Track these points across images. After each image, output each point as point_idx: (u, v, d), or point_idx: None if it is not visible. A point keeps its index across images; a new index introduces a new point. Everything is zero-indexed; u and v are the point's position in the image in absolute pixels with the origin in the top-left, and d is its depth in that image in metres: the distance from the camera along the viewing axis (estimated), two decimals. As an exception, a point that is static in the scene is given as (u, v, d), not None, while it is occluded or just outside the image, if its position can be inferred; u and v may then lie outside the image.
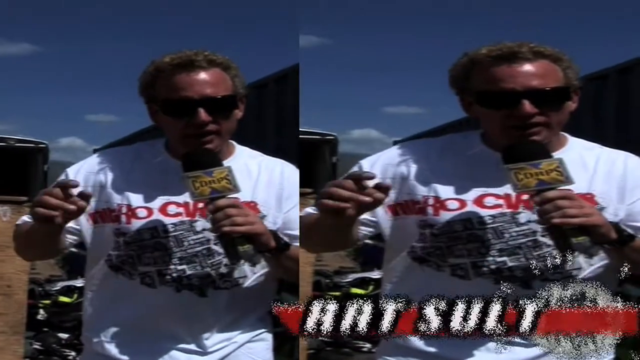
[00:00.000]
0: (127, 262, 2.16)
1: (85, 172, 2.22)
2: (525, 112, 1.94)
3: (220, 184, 1.97)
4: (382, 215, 2.13)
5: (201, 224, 2.14)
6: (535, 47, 1.99)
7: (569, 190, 1.91)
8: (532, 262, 2.00)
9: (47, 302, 6.73)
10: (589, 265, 2.04)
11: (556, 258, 1.99)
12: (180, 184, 2.08)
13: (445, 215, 2.05)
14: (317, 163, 10.20)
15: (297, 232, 2.18)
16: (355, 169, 2.15)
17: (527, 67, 1.97)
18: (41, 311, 6.58)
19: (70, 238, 2.24)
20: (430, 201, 2.06)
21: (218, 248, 2.13)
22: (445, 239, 2.05)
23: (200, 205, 2.11)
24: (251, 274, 2.20)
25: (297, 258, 2.17)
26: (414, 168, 2.11)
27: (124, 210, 2.16)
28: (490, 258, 2.02)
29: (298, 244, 2.20)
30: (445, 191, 2.06)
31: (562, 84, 1.99)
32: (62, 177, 2.24)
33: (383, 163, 2.14)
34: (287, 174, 2.26)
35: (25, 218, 2.25)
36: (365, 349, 6.50)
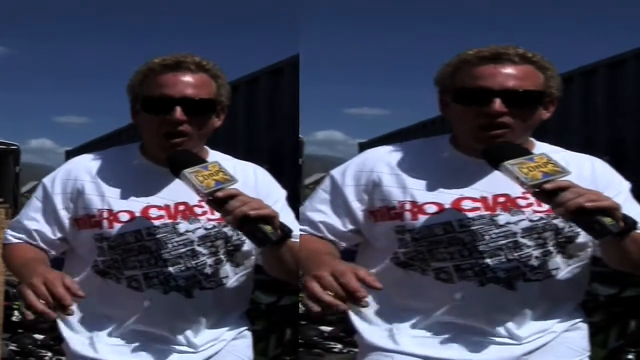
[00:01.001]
0: (113, 267, 2.17)
1: (62, 179, 2.23)
2: (493, 110, 1.98)
3: (219, 176, 1.99)
4: (363, 222, 2.17)
5: (184, 225, 2.17)
6: (524, 51, 2.03)
7: None
8: (514, 262, 2.05)
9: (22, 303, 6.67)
10: (566, 265, 2.10)
11: (536, 258, 2.06)
12: (157, 186, 2.17)
13: (424, 219, 2.07)
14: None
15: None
16: (327, 182, 2.22)
17: (509, 69, 2.01)
18: (16, 313, 6.56)
19: (58, 250, 2.29)
20: (407, 206, 2.08)
21: (202, 249, 2.17)
22: (426, 243, 2.07)
23: (182, 207, 2.17)
24: (233, 274, 2.25)
25: (293, 252, 2.12)
26: (386, 174, 2.14)
27: (105, 215, 2.16)
28: (473, 260, 2.05)
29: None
30: (422, 195, 2.08)
31: (540, 89, 2.03)
32: (39, 190, 2.27)
33: (355, 170, 2.18)
34: (260, 177, 2.32)
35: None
36: (336, 349, 6.53)
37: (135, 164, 2.23)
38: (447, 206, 2.07)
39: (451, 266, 2.06)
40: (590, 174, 2.12)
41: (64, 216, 2.21)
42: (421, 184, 2.10)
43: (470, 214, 2.06)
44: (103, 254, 2.18)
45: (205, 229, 2.19)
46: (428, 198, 2.08)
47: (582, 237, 2.08)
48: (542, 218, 2.06)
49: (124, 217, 2.16)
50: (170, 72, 2.11)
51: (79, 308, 2.18)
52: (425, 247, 2.08)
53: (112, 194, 2.18)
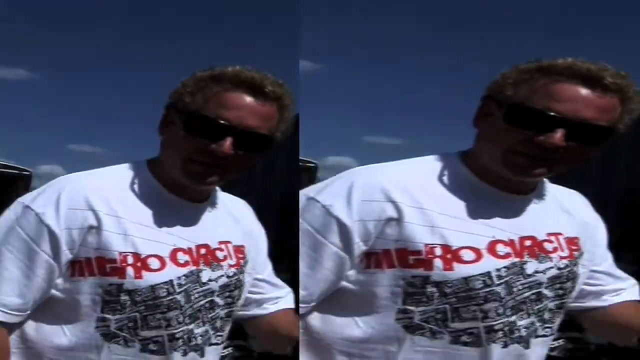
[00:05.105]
0: (126, 327, 1.70)
1: (67, 208, 1.65)
2: (551, 143, 1.58)
3: None
4: (354, 269, 1.69)
5: (207, 274, 1.77)
6: (621, 76, 1.60)
7: None
8: (532, 317, 1.71)
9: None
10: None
11: (549, 311, 1.74)
12: (179, 223, 1.75)
13: (461, 270, 1.63)
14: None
15: (272, 278, 1.98)
16: (316, 212, 1.66)
17: (595, 95, 1.58)
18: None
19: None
20: (438, 251, 1.63)
21: (220, 300, 1.80)
22: (454, 299, 1.64)
23: (203, 251, 1.77)
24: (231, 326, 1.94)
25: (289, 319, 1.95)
26: (407, 206, 1.64)
27: (131, 260, 1.66)
28: (505, 319, 1.67)
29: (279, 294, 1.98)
30: (457, 238, 1.64)
31: (612, 126, 1.62)
32: (27, 221, 1.65)
33: (360, 200, 1.65)
34: (251, 213, 1.99)
35: None
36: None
37: (151, 192, 1.75)
38: (484, 252, 1.65)
39: (482, 327, 1.66)
40: (584, 214, 1.84)
41: (64, 261, 1.66)
42: (451, 221, 1.66)
43: (504, 262, 1.66)
44: (118, 311, 1.68)
45: (227, 276, 1.82)
46: (462, 241, 1.64)
47: (579, 284, 1.80)
48: (567, 265, 1.74)
49: (154, 263, 1.68)
50: (241, 92, 1.66)
51: None
52: (451, 305, 1.65)
53: (137, 231, 1.69)
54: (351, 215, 1.62)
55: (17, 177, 12.23)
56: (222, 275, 1.79)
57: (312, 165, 10.63)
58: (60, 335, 1.70)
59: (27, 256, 1.64)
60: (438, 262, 1.61)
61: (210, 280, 1.76)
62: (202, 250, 1.76)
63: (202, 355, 1.77)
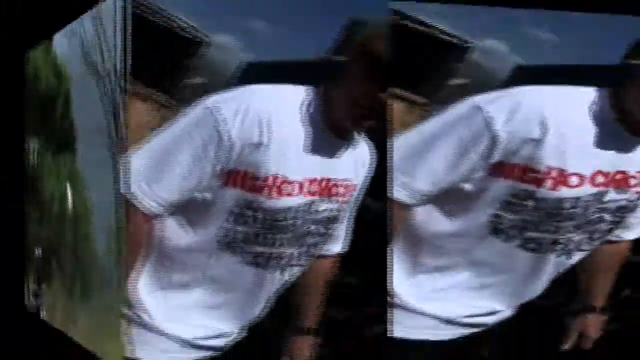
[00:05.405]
0: (244, 240, 1.79)
1: (251, 122, 1.69)
2: None
3: None
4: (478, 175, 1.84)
5: (321, 204, 1.83)
6: None
7: None
8: (586, 234, 1.89)
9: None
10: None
11: (599, 231, 1.91)
12: (320, 154, 1.79)
13: (564, 192, 1.81)
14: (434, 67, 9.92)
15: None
16: (477, 121, 1.80)
17: None
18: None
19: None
20: (554, 174, 1.80)
21: (320, 228, 1.85)
22: (543, 213, 1.83)
23: (324, 183, 1.82)
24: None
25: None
26: (552, 132, 1.79)
27: (276, 182, 1.74)
28: (568, 235, 1.86)
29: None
30: (572, 164, 1.81)
31: None
32: (209, 122, 1.69)
33: (520, 119, 1.78)
34: (373, 158, 1.94)
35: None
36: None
37: (315, 125, 1.78)
38: (586, 180, 1.83)
39: (549, 238, 1.87)
40: None
41: (225, 168, 1.71)
42: (576, 150, 1.81)
43: (594, 190, 1.84)
44: (245, 224, 1.77)
45: (333, 210, 1.87)
46: (575, 168, 1.81)
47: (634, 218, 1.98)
48: (635, 199, 1.91)
49: (289, 189, 1.75)
50: None
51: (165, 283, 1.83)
52: (538, 218, 1.84)
53: (290, 157, 1.75)
54: (506, 130, 1.76)
55: (190, 42, 12.38)
56: (330, 208, 1.83)
57: (466, 45, 10.49)
58: (182, 235, 1.77)
59: (193, 157, 1.68)
60: (549, 183, 1.79)
61: (322, 210, 1.81)
62: (323, 184, 1.80)
63: (286, 274, 1.86)
